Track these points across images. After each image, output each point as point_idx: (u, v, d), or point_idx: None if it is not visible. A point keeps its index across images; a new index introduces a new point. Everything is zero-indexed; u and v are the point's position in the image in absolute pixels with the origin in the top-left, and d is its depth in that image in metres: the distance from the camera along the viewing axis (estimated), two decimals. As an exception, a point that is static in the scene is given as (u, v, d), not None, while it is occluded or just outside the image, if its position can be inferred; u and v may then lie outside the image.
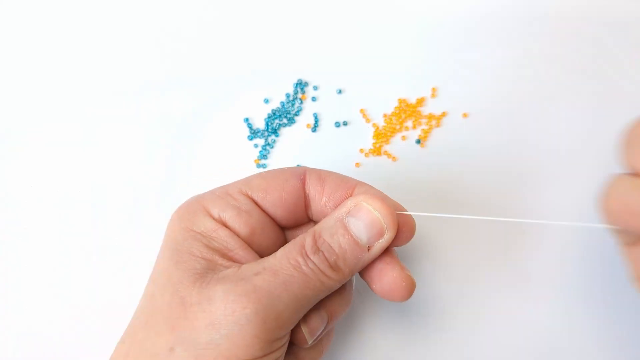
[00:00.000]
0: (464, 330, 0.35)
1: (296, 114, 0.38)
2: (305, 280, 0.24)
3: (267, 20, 0.39)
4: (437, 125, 0.37)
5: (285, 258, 0.25)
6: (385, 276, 0.26)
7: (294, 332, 0.26)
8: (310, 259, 0.25)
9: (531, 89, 0.37)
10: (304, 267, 0.25)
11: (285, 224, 0.29)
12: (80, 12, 0.40)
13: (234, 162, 0.37)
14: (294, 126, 0.38)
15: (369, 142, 0.37)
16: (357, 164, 0.37)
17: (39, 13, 0.40)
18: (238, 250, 0.26)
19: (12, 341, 0.35)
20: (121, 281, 0.36)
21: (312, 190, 0.28)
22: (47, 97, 0.38)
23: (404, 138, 0.37)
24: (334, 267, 0.25)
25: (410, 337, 0.35)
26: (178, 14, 0.40)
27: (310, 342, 0.27)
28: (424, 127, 0.37)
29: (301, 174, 0.28)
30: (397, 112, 0.37)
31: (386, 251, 0.27)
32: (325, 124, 0.38)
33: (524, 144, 0.37)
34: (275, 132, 0.38)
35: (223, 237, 0.26)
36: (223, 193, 0.27)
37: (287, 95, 0.38)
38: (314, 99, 0.38)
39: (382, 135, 0.37)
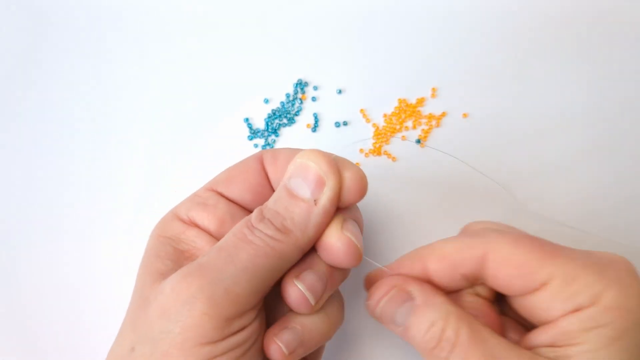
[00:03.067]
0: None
1: (296, 114, 0.38)
2: (253, 249, 0.23)
3: (268, 21, 0.39)
4: (437, 125, 0.37)
5: (231, 234, 0.24)
6: (325, 237, 0.25)
7: (285, 294, 0.25)
8: (256, 227, 0.24)
9: (531, 89, 0.38)
10: (250, 237, 0.23)
11: (255, 208, 0.28)
12: (81, 9, 0.40)
13: (234, 162, 0.37)
14: (294, 126, 0.38)
15: (369, 142, 0.37)
16: (357, 164, 0.37)
17: (40, 12, 0.40)
18: (206, 248, 0.26)
19: (11, 342, 0.35)
20: (124, 284, 0.36)
21: (269, 168, 0.28)
22: (48, 96, 0.38)
23: (404, 138, 0.37)
24: (282, 229, 0.24)
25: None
26: (179, 14, 0.40)
27: (312, 301, 0.25)
28: (424, 127, 0.37)
29: (259, 156, 0.28)
30: (397, 112, 0.37)
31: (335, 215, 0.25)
32: (325, 124, 0.38)
33: (523, 144, 0.37)
34: (275, 132, 0.38)
35: (191, 237, 0.26)
36: (191, 195, 0.28)
37: (287, 95, 0.38)
38: (314, 99, 0.38)
39: (382, 135, 0.37)
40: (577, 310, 0.23)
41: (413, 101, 0.38)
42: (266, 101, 0.38)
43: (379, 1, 0.39)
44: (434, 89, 0.38)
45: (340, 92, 0.38)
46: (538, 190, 0.36)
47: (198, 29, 0.39)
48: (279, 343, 0.25)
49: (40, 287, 0.36)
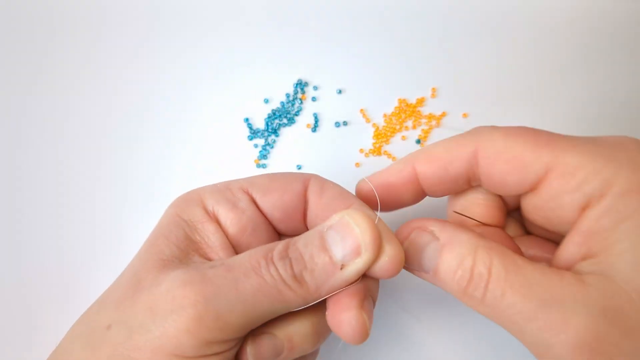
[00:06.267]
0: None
1: (296, 114, 0.38)
2: (260, 284, 0.22)
3: (268, 21, 0.39)
4: (437, 125, 0.37)
5: (247, 257, 0.23)
6: (339, 308, 0.23)
7: (240, 352, 0.24)
8: (273, 264, 0.22)
9: (531, 89, 0.37)
10: (263, 271, 0.22)
11: (282, 228, 0.27)
12: (81, 12, 0.40)
13: (234, 162, 0.37)
14: (294, 126, 0.38)
15: (369, 142, 0.37)
16: (357, 164, 0.37)
17: (42, 13, 0.40)
18: (218, 249, 0.25)
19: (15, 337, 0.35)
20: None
21: (312, 198, 0.26)
22: (51, 95, 0.39)
23: (404, 138, 0.37)
24: (298, 278, 0.22)
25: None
26: (179, 14, 0.40)
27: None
28: (424, 127, 0.37)
29: (306, 180, 0.26)
30: (397, 112, 0.37)
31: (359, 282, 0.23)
32: (325, 124, 0.38)
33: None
34: (275, 132, 0.38)
35: (208, 232, 0.25)
36: (223, 187, 0.26)
37: (287, 95, 0.38)
38: (314, 99, 0.38)
39: (382, 135, 0.37)
40: (590, 202, 0.20)
41: (413, 101, 0.38)
42: (266, 101, 0.38)
43: (380, 1, 0.39)
44: (434, 89, 0.38)
45: (340, 92, 0.38)
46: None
47: (198, 29, 0.39)
48: None
49: (46, 284, 0.36)
